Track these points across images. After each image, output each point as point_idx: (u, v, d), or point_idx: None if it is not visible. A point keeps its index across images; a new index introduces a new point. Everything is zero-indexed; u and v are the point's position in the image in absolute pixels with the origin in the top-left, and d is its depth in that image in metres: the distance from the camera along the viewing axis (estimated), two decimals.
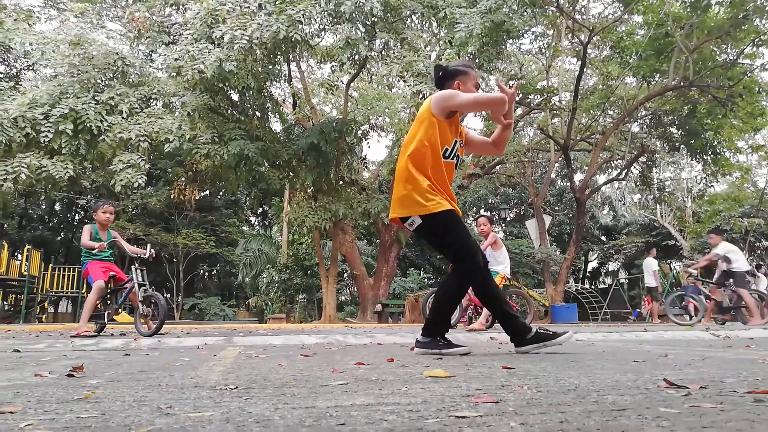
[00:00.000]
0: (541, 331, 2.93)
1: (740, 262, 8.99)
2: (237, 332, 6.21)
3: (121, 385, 1.74)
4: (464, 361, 2.45)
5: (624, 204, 27.98)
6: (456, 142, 2.98)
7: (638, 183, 21.38)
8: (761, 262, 17.40)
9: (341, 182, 13.81)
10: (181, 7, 12.11)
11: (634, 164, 18.98)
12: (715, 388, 1.55)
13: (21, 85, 13.51)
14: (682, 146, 17.61)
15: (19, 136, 9.43)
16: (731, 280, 8.94)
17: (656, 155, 19.05)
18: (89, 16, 13.01)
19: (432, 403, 1.33)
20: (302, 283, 18.48)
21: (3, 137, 9.24)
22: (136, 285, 5.42)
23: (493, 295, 2.98)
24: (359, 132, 13.56)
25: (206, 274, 30.21)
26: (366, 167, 19.97)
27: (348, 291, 26.36)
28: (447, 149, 2.92)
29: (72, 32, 11.59)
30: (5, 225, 23.95)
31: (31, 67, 17.71)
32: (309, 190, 13.54)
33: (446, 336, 2.95)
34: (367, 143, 19.07)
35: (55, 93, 10.03)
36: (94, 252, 5.54)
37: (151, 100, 11.26)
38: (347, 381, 1.76)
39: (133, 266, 5.52)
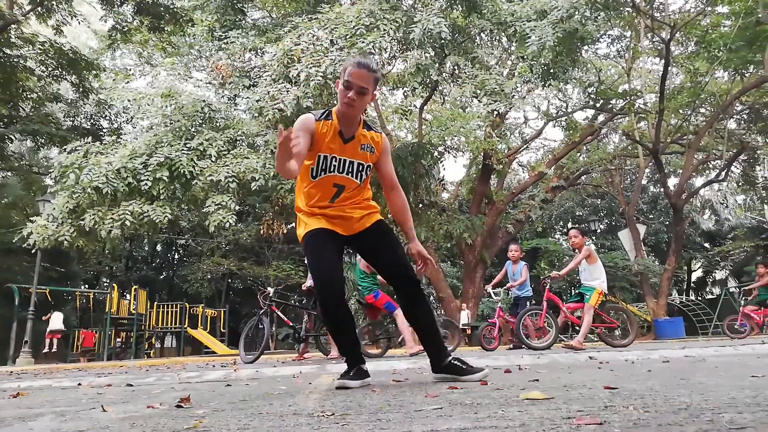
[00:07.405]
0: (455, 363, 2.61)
1: None
2: (329, 359, 6.31)
3: (225, 414, 1.82)
4: (563, 382, 2.35)
5: (727, 207, 26.12)
6: (324, 156, 2.57)
7: (741, 183, 19.92)
8: None
9: (421, 205, 13.84)
10: (258, 51, 12.80)
11: (734, 163, 17.73)
12: None
13: (122, 138, 14.73)
14: None
15: (122, 186, 10.26)
16: None
17: (758, 152, 17.68)
18: (178, 69, 14.06)
19: (531, 426, 1.28)
20: None
21: (109, 188, 10.09)
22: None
23: (337, 326, 2.68)
24: (435, 154, 13.56)
25: (297, 303, 31.12)
26: (444, 188, 19.90)
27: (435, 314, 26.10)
28: (312, 169, 2.57)
29: (163, 85, 12.55)
30: (114, 267, 25.92)
31: (129, 121, 19.33)
32: (389, 216, 13.67)
33: (353, 366, 2.65)
34: (442, 165, 19.03)
35: (151, 143, 10.86)
36: None
37: (237, 142, 11.89)
38: (441, 405, 1.74)
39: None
